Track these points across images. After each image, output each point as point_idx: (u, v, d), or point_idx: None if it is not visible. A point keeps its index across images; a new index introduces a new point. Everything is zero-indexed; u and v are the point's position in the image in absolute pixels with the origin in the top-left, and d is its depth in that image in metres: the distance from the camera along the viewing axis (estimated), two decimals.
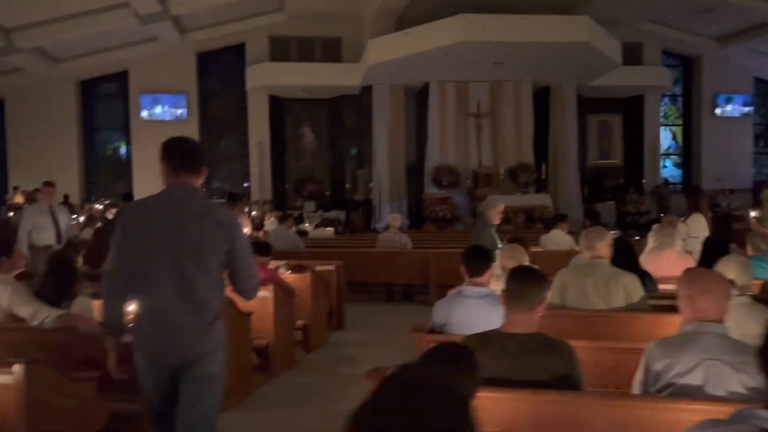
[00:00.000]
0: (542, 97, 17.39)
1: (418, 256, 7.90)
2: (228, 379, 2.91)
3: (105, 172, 18.79)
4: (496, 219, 5.82)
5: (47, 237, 7.13)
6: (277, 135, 18.36)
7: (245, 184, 18.62)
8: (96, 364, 3.11)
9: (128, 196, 13.09)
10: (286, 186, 18.60)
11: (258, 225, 11.36)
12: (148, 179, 17.75)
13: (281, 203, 17.71)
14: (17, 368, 2.63)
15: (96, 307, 3.85)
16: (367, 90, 16.85)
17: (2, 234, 3.75)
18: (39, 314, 3.45)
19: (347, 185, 18.35)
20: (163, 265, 2.49)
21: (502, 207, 5.95)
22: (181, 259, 2.49)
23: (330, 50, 17.94)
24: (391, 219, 8.23)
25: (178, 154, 2.63)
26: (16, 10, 13.18)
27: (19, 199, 14.15)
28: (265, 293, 4.70)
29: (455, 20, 13.19)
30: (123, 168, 18.55)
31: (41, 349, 3.29)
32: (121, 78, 18.11)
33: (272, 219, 12.03)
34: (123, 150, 18.76)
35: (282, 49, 17.85)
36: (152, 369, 2.55)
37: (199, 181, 2.70)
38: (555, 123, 17.43)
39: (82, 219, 12.07)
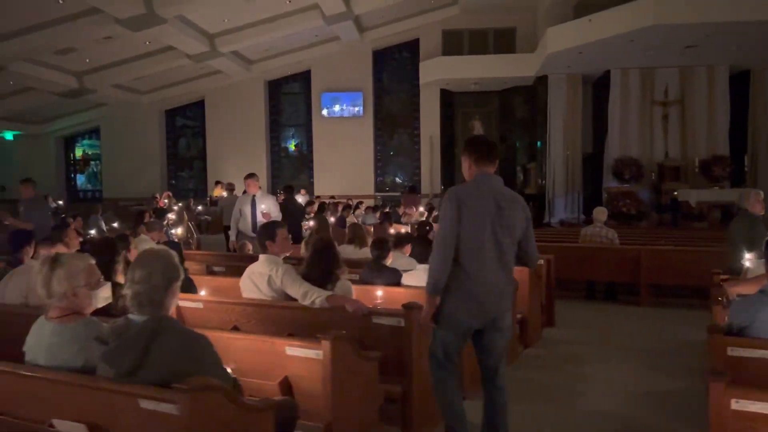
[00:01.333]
0: (739, 83, 15.73)
1: (629, 252, 7.46)
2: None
3: (288, 166, 20.11)
4: (758, 209, 5.38)
5: (248, 225, 7.68)
6: (446, 129, 18.46)
7: (415, 178, 18.97)
8: (365, 346, 3.28)
9: (289, 188, 13.93)
10: (455, 180, 18.64)
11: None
12: (327, 172, 18.81)
13: None
14: (326, 343, 2.83)
15: (355, 290, 4.07)
16: (541, 80, 16.36)
17: (267, 225, 4.04)
18: (310, 294, 3.70)
19: (518, 178, 17.98)
20: (488, 239, 3.01)
21: (762, 195, 5.49)
22: (500, 235, 3.03)
23: (503, 41, 17.68)
24: (597, 212, 7.81)
25: (483, 148, 3.21)
26: (218, 17, 14.46)
27: (219, 191, 15.57)
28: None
29: (645, 3, 12.32)
30: (304, 162, 19.73)
31: (312, 327, 3.51)
32: (304, 77, 19.25)
33: None
34: (305, 146, 19.90)
35: (455, 43, 17.90)
36: (470, 321, 3.06)
37: (493, 170, 3.18)
38: (756, 111, 15.72)
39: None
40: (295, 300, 3.78)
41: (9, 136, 19.86)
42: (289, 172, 20.00)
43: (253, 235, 7.34)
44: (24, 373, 2.34)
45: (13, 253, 4.93)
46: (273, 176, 19.84)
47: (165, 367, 2.09)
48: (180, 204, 14.74)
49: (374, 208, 13.87)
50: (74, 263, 2.35)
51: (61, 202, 17.66)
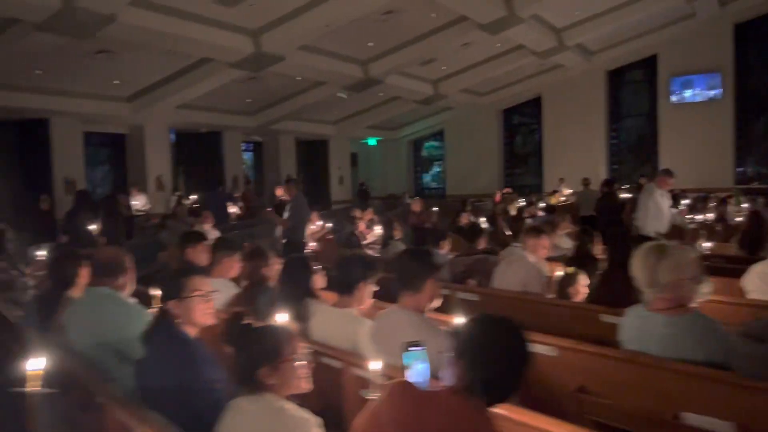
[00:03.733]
0: None
1: None
2: None
3: (628, 158, 19.19)
4: None
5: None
6: None
7: None
8: None
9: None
10: None
11: None
12: (677, 162, 17.35)
13: None
14: None
15: None
16: None
17: None
18: None
19: None
20: None
21: None
22: None
23: None
24: None
25: None
26: (569, 11, 14.44)
27: (559, 196, 15.56)
28: None
29: None
30: (647, 152, 18.58)
31: None
32: (647, 63, 18.14)
33: None
34: (648, 135, 18.75)
35: None
36: None
37: None
38: None
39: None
40: None
41: (373, 141, 23.00)
42: (630, 164, 19.06)
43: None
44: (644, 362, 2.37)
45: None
46: (611, 170, 19.13)
47: None
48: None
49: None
50: (682, 255, 2.39)
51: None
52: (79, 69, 11.09)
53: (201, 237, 4.21)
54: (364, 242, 8.86)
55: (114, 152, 15.17)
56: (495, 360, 1.61)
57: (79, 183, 12.88)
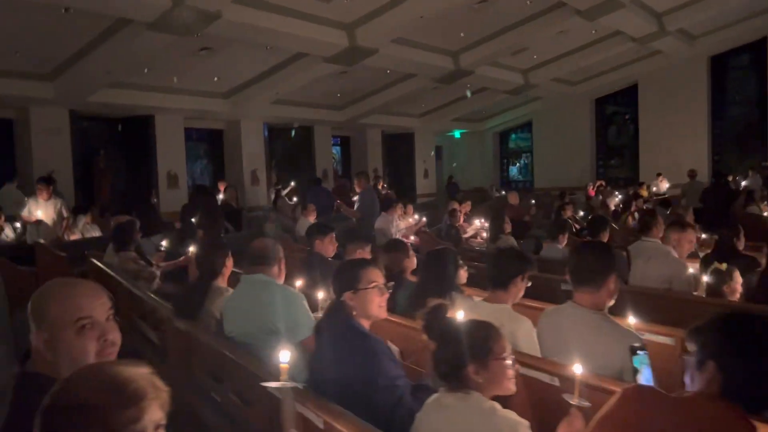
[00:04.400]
0: None
1: None
2: None
3: (733, 148, 18.06)
4: None
5: None
6: None
7: None
8: None
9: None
10: None
11: None
12: None
13: None
14: None
15: None
16: None
17: None
18: None
19: None
20: None
21: None
22: None
23: None
24: None
25: None
26: None
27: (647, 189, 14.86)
28: None
29: None
30: (755, 142, 17.40)
31: None
32: (755, 47, 16.96)
33: None
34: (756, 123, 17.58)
35: None
36: None
37: None
38: None
39: None
40: None
41: (458, 134, 22.76)
42: (734, 154, 17.92)
43: None
44: None
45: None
46: (713, 161, 18.06)
47: None
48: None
49: None
50: None
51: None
52: (182, 67, 11.48)
53: (329, 229, 4.21)
54: (465, 235, 8.73)
55: (211, 147, 15.67)
56: (755, 360, 1.44)
57: (181, 177, 13.40)
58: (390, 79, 15.08)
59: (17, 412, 1.40)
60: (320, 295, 3.17)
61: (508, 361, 1.85)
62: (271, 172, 16.04)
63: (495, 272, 2.91)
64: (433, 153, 21.34)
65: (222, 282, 3.37)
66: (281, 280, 3.08)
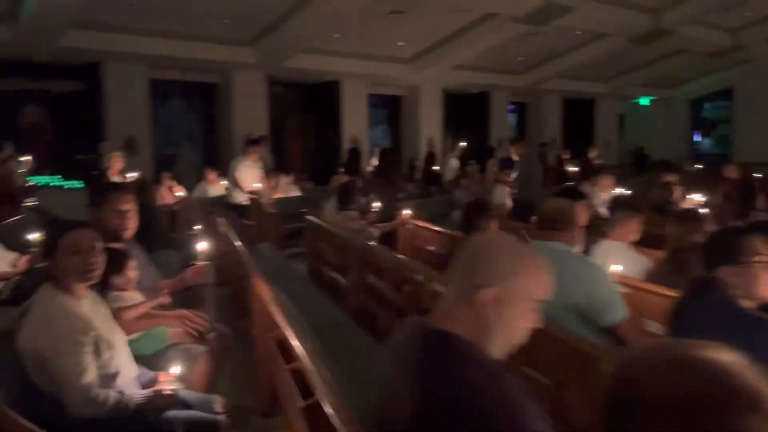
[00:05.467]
0: None
1: None
2: None
3: None
4: None
5: None
6: None
7: None
8: None
9: None
10: None
11: None
12: None
13: None
14: None
15: None
16: None
17: None
18: None
19: None
20: None
21: None
22: None
23: None
24: None
25: None
26: None
27: None
28: None
29: None
30: None
31: None
32: None
33: None
34: None
35: None
36: None
37: None
38: None
39: None
40: None
41: (645, 101, 20.95)
42: None
43: None
44: None
45: None
46: None
47: None
48: None
49: None
50: None
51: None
52: (370, 31, 11.56)
53: (580, 195, 3.80)
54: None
55: (390, 113, 15.82)
56: None
57: (363, 143, 13.65)
58: (579, 41, 14.11)
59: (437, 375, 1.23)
60: None
61: None
62: (446, 139, 15.86)
63: None
64: (615, 121, 19.88)
65: None
66: (576, 248, 2.75)
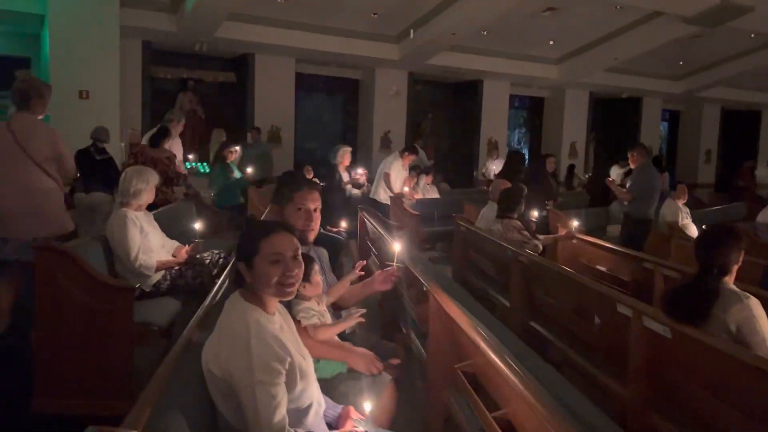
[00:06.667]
0: None
1: None
2: None
3: None
4: None
5: None
6: None
7: None
8: None
9: None
10: None
11: None
12: None
13: None
14: None
15: None
16: None
17: None
18: None
19: None
20: None
21: None
22: None
23: None
24: None
25: None
26: None
27: None
28: None
29: None
30: None
31: None
32: None
33: None
34: None
35: None
36: None
37: None
38: None
39: None
40: None
41: None
42: None
43: None
44: None
45: None
46: None
47: None
48: None
49: None
50: None
51: None
52: (520, 29, 10.98)
53: None
54: None
55: (531, 115, 15.12)
56: None
57: (501, 145, 13.06)
58: (750, 45, 12.65)
59: None
60: None
61: None
62: (589, 145, 14.89)
63: None
64: None
65: (729, 281, 2.51)
66: None
